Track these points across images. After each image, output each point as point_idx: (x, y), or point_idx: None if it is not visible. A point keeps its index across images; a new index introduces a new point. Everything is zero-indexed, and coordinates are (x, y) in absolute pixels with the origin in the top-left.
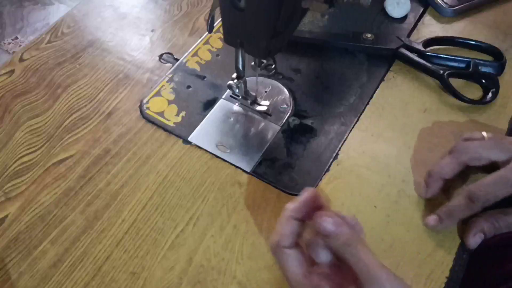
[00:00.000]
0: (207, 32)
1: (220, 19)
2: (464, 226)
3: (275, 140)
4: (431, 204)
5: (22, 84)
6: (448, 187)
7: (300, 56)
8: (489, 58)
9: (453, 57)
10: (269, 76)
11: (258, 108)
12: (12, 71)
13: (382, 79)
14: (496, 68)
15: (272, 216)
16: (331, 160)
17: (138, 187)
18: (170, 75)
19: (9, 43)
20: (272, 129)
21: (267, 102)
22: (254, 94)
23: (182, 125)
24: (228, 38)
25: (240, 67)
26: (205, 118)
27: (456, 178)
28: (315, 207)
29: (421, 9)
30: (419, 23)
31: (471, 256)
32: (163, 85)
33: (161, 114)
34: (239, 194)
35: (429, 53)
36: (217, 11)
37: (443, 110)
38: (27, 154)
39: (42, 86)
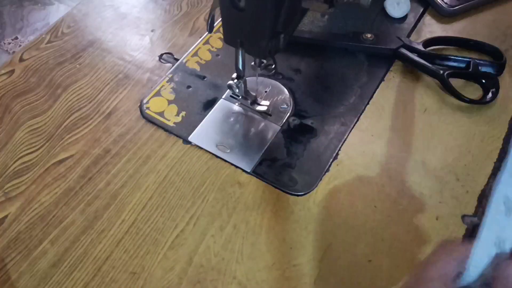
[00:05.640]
0: (207, 32)
1: (220, 19)
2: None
3: (275, 140)
4: (431, 204)
5: (22, 84)
6: None
7: (300, 56)
8: (489, 58)
9: (453, 57)
10: (269, 76)
11: (258, 108)
12: (12, 71)
13: (382, 79)
14: (496, 68)
15: (272, 216)
16: (331, 160)
17: (138, 187)
18: (170, 75)
19: (9, 43)
20: (272, 129)
21: (267, 102)
22: (254, 94)
23: (182, 125)
24: (228, 38)
25: (240, 67)
26: (205, 118)
27: None
28: None
29: (421, 9)
30: (419, 23)
31: None
32: (163, 85)
33: (161, 114)
34: (239, 194)
35: (429, 53)
36: (217, 11)
37: (443, 110)
38: (27, 154)
39: (42, 86)
